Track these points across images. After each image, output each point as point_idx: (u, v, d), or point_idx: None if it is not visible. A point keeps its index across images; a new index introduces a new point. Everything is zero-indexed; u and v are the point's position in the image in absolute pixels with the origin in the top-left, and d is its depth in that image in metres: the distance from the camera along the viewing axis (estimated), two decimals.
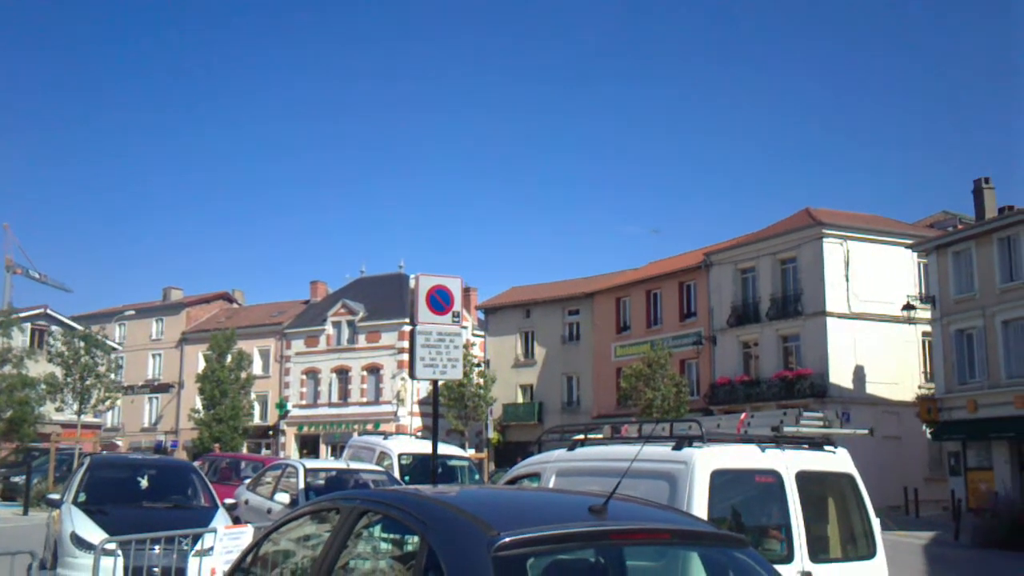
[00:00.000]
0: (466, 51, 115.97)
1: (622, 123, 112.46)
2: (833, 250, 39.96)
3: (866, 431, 8.84)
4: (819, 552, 7.28)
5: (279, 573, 5.28)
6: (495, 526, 3.66)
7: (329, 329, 61.46)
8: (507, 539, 3.57)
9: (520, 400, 55.83)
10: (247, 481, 19.18)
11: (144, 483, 12.90)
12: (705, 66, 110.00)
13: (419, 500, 4.30)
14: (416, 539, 4.05)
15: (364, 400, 59.15)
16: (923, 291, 38.18)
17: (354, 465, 16.77)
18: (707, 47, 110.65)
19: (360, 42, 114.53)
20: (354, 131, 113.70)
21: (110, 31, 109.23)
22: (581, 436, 8.62)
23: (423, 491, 4.74)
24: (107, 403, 47.39)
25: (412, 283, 11.08)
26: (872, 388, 39.14)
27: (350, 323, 60.76)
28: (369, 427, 52.88)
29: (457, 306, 11.11)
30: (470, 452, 39.56)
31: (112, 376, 44.76)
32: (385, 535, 4.71)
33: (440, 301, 10.91)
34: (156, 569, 9.88)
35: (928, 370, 39.02)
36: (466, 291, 64.06)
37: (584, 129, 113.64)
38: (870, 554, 7.63)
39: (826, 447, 7.75)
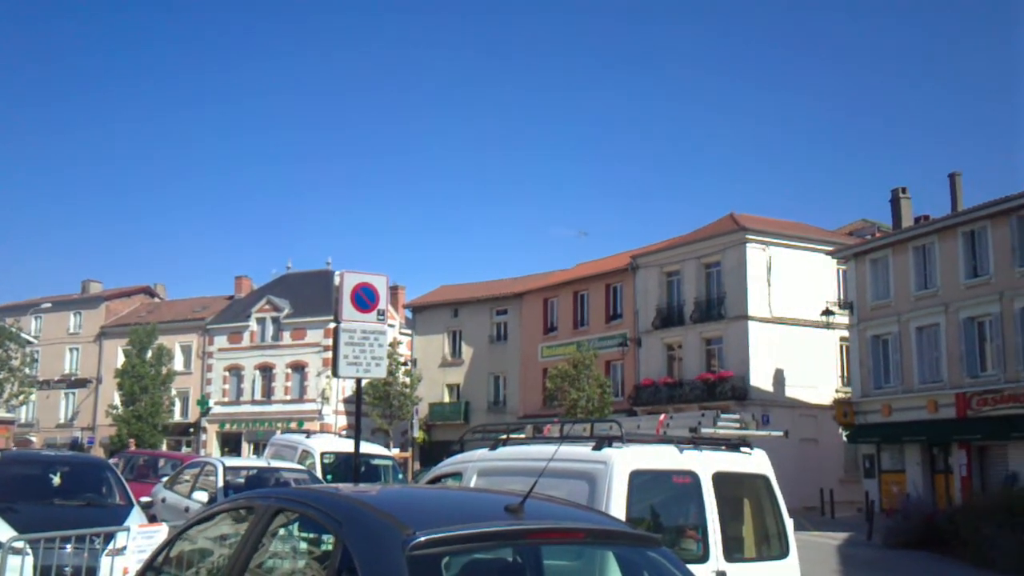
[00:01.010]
0: (397, 46, 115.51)
1: (552, 125, 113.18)
2: (756, 255, 40.70)
3: (781, 433, 9.03)
4: (734, 552, 7.40)
5: (191, 573, 5.20)
6: (410, 525, 3.65)
7: (253, 325, 60.59)
8: (422, 538, 3.57)
9: (447, 399, 55.74)
10: (164, 479, 18.83)
11: (56, 480, 12.55)
12: (632, 70, 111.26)
13: (334, 499, 4.28)
14: (331, 538, 4.03)
15: (288, 398, 58.46)
16: (842, 297, 39.11)
17: (275, 464, 16.57)
18: (634, 50, 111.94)
19: (282, 22, 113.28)
20: (282, 124, 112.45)
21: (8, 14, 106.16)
22: (503, 436, 8.64)
23: (339, 490, 4.71)
24: (21, 398, 46.05)
25: (337, 280, 10.99)
26: (791, 391, 39.97)
27: (275, 320, 59.99)
28: (293, 425, 52.27)
29: (382, 304, 11.05)
30: (395, 451, 39.33)
31: (27, 370, 43.59)
32: (300, 534, 4.67)
33: (365, 299, 10.84)
34: (67, 568, 9.62)
35: (845, 374, 39.97)
36: (394, 289, 63.74)
37: (514, 130, 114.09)
38: (783, 554, 7.78)
39: (742, 448, 7.88)
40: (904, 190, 38.23)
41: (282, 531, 4.63)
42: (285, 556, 4.70)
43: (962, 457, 30.94)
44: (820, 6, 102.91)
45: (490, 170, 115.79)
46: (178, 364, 60.69)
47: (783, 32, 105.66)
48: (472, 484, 8.08)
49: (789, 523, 7.96)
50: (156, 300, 71.37)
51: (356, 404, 11.09)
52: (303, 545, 4.65)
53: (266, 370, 59.64)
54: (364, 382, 10.87)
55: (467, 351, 55.54)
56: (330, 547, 4.01)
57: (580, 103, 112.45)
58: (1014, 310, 29.26)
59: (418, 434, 50.50)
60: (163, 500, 16.16)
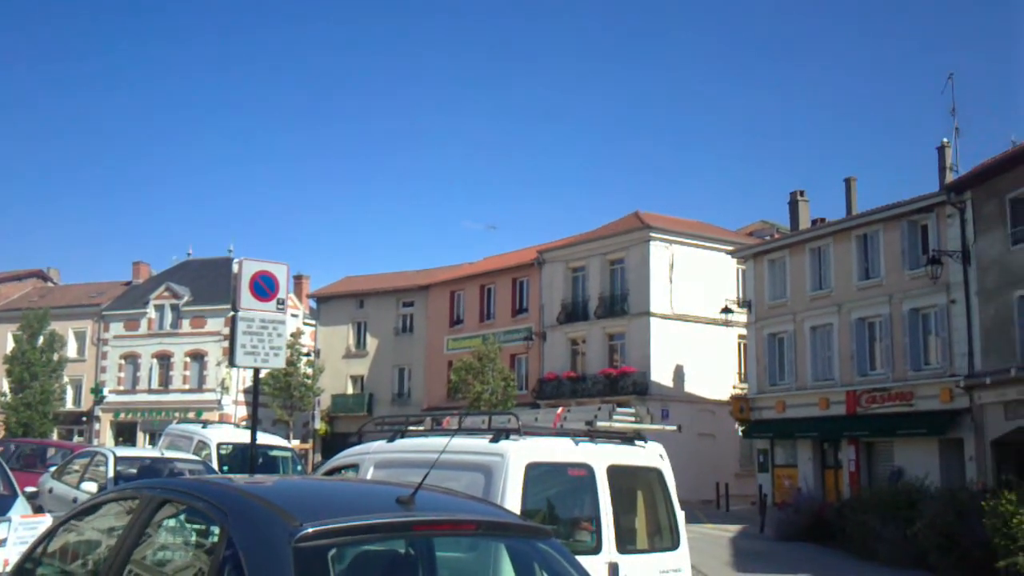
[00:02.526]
0: (306, 39, 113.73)
1: (464, 118, 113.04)
2: (659, 253, 41.40)
3: (675, 427, 9.22)
4: (627, 543, 7.53)
5: (73, 563, 5.06)
6: (297, 517, 3.62)
7: (151, 312, 59.06)
8: (309, 530, 3.55)
9: (350, 391, 55.28)
10: (52, 469, 18.24)
11: None
12: (543, 65, 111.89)
13: (221, 489, 4.21)
14: (217, 530, 3.97)
15: (187, 387, 57.17)
16: (741, 296, 40.07)
17: (169, 454, 16.21)
18: (545, 45, 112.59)
19: (178, 5, 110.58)
20: (185, 107, 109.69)
21: None
22: (401, 428, 8.62)
23: (227, 480, 4.65)
24: None
25: (236, 268, 10.79)
26: (691, 387, 40.80)
27: (174, 307, 58.58)
28: (191, 415, 51.05)
29: (282, 293, 10.91)
30: (295, 443, 38.85)
31: None
32: (185, 525, 4.58)
33: (264, 287, 10.69)
34: None
35: (742, 371, 40.97)
36: (298, 279, 62.93)
37: (424, 122, 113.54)
38: (674, 545, 7.96)
39: (637, 442, 8.01)
40: (802, 193, 39.33)
41: (167, 522, 4.55)
42: (169, 548, 4.61)
43: (851, 453, 32.04)
44: (726, 9, 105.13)
45: (399, 161, 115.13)
46: (71, 351, 58.74)
47: (690, 34, 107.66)
48: (369, 476, 8.04)
49: (680, 515, 8.14)
50: (49, 284, 68.92)
51: (253, 394, 10.93)
52: (188, 537, 4.56)
53: (164, 358, 58.22)
54: (263, 372, 10.70)
55: (372, 342, 55.16)
56: (216, 539, 3.95)
57: (491, 97, 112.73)
58: (903, 312, 30.40)
59: (320, 426, 49.97)
60: (50, 491, 15.66)
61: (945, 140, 31.74)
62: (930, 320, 29.99)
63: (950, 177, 29.96)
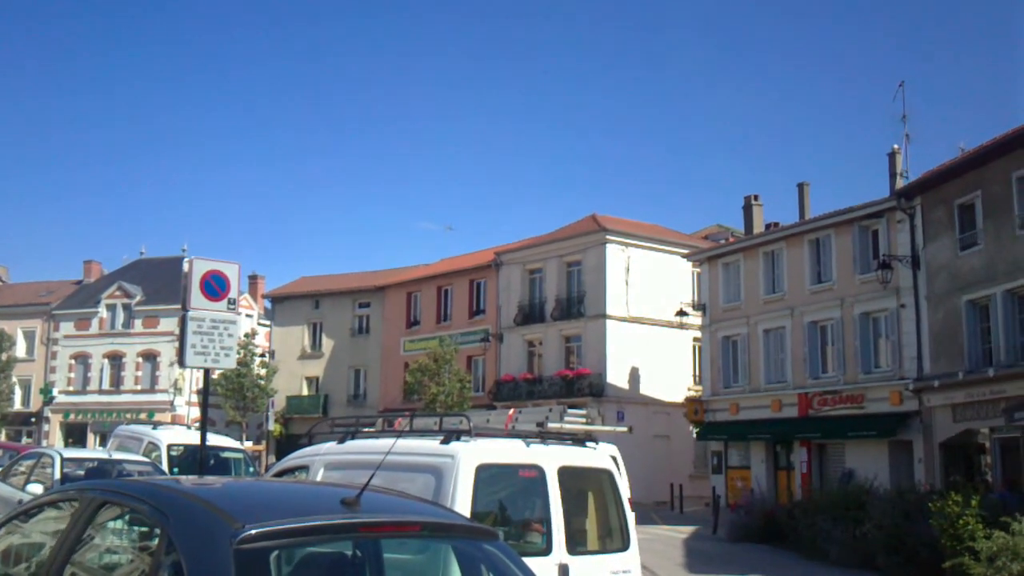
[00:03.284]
0: (261, 36, 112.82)
1: (420, 118, 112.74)
2: (616, 256, 41.59)
3: (626, 428, 9.28)
4: (577, 545, 7.54)
5: (15, 567, 4.97)
6: (239, 518, 3.58)
7: (103, 312, 58.16)
8: (252, 531, 3.51)
9: (305, 392, 54.86)
10: None
11: None
12: (498, 67, 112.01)
13: (162, 491, 4.15)
14: (158, 531, 3.91)
15: (139, 388, 56.38)
16: (696, 299, 40.39)
17: (117, 455, 15.97)
18: (500, 48, 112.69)
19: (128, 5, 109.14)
20: (139, 106, 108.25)
21: None
22: (352, 429, 8.57)
23: (168, 482, 4.59)
24: None
25: (186, 267, 10.67)
26: (646, 389, 41.02)
27: (126, 306, 57.74)
28: (143, 416, 50.27)
29: (233, 293, 10.80)
30: (247, 444, 38.46)
31: None
32: (125, 527, 4.51)
33: (215, 287, 10.57)
34: None
35: (697, 373, 41.29)
36: (253, 279, 62.39)
37: (380, 123, 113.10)
38: (624, 546, 7.98)
39: (588, 443, 8.04)
40: (756, 197, 39.75)
41: (108, 524, 4.48)
42: (110, 550, 4.54)
43: (803, 454, 32.45)
44: (684, 15, 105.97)
45: (356, 162, 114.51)
46: (20, 351, 57.71)
47: (646, 39, 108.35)
48: (319, 478, 7.98)
49: (631, 516, 8.17)
50: None
51: (203, 395, 10.82)
52: (129, 539, 4.49)
53: (115, 359, 57.35)
54: (215, 373, 10.57)
55: (327, 343, 54.80)
56: (156, 541, 3.89)
57: (448, 98, 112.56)
58: (854, 315, 30.84)
59: (274, 427, 49.46)
60: None
61: (896, 147, 32.28)
62: (880, 324, 30.46)
63: (901, 183, 30.46)
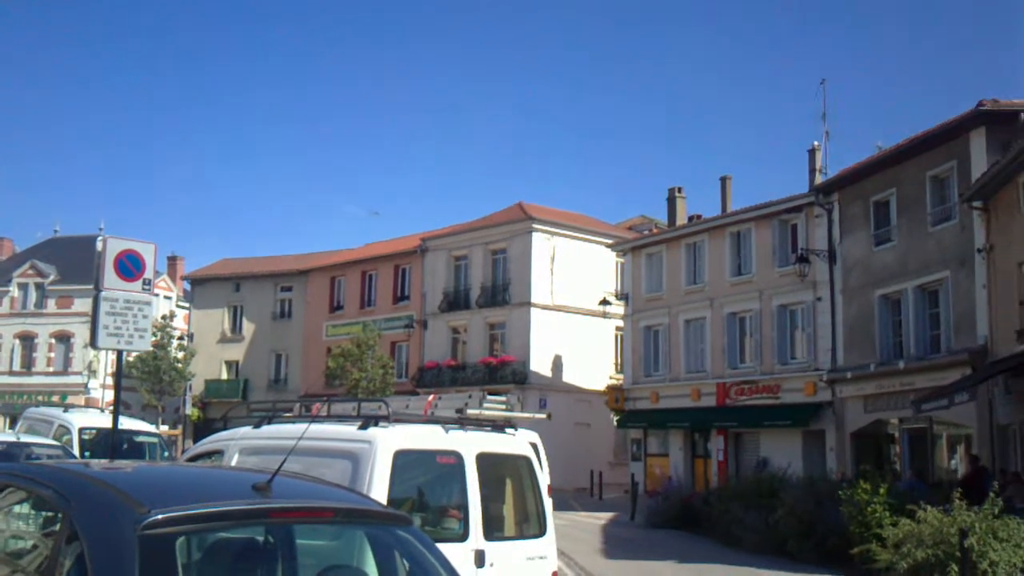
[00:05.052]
0: (178, 8, 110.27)
1: (346, 103, 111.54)
2: (541, 244, 41.77)
3: (545, 415, 9.31)
4: (494, 531, 7.58)
5: None
6: (145, 503, 3.52)
7: (14, 291, 56.37)
8: (157, 516, 3.45)
9: (225, 376, 53.98)
10: None
11: None
12: (430, 53, 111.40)
13: (66, 475, 4.06)
14: (61, 516, 3.82)
15: (51, 370, 54.83)
16: (619, 288, 40.80)
17: (26, 439, 15.54)
18: (431, 35, 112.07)
19: None
20: (54, 80, 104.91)
21: None
22: (269, 414, 8.47)
23: (75, 466, 4.49)
24: None
25: (99, 246, 10.39)
26: (569, 377, 41.34)
27: (39, 286, 56.06)
28: (56, 399, 49.09)
29: (149, 273, 10.56)
30: (163, 428, 37.76)
31: None
32: (29, 512, 4.39)
33: (130, 267, 10.32)
34: None
35: (619, 362, 41.73)
36: (172, 260, 61.16)
37: (306, 105, 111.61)
38: (541, 532, 8.05)
39: (507, 430, 8.07)
40: (680, 190, 40.26)
41: (12, 509, 4.36)
42: (14, 536, 4.42)
43: (720, 443, 33.07)
44: (612, 8, 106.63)
45: (280, 143, 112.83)
46: None
47: (574, 29, 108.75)
48: (234, 463, 7.87)
49: (548, 503, 8.24)
50: None
51: (116, 377, 10.58)
52: (30, 524, 4.38)
53: (27, 339, 55.67)
54: (131, 355, 10.33)
55: (248, 327, 53.99)
56: (59, 526, 3.80)
57: (375, 84, 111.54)
58: (772, 307, 31.47)
59: (191, 411, 48.64)
60: None
61: (816, 143, 32.98)
62: (797, 316, 31.15)
63: (819, 179, 31.13)
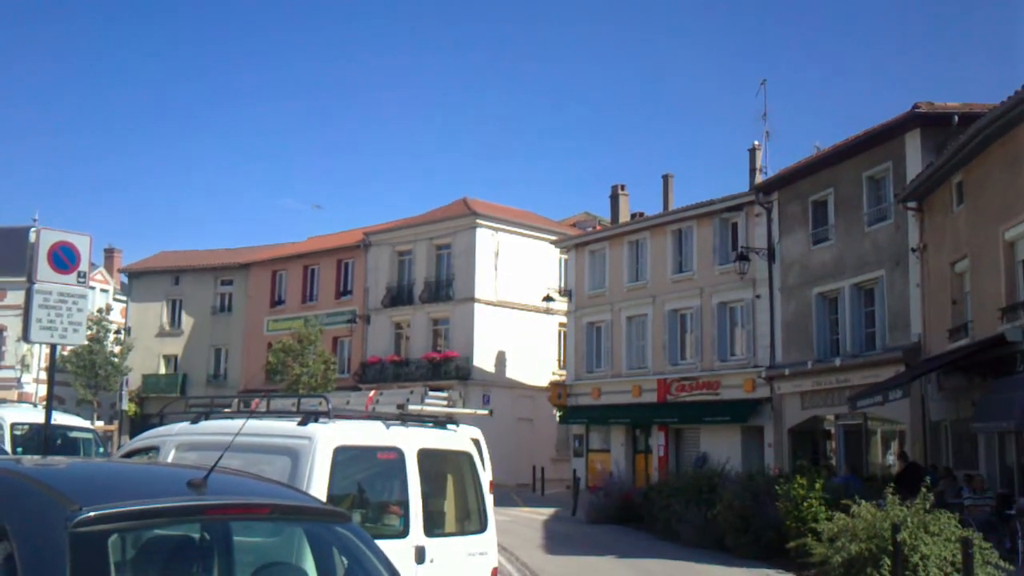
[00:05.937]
0: (122, 5, 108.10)
1: (288, 95, 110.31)
2: (485, 240, 41.77)
3: (487, 411, 9.34)
4: (435, 527, 7.57)
5: None
6: (76, 500, 3.45)
7: None
8: (89, 514, 3.39)
9: (163, 371, 53.16)
10: None
11: None
12: (372, 47, 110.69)
13: None
14: None
15: None
16: (562, 285, 41.00)
17: None
18: (375, 29, 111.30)
19: None
20: None
21: None
22: (207, 409, 8.36)
23: (3, 462, 4.37)
24: None
25: (32, 237, 10.16)
26: (512, 373, 41.41)
27: None
28: None
29: (84, 265, 10.35)
30: (99, 424, 37.06)
31: None
32: None
33: (64, 259, 10.10)
34: None
35: (561, 358, 41.93)
36: (109, 252, 59.97)
37: (248, 97, 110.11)
38: (482, 528, 8.07)
39: (449, 426, 8.07)
40: (623, 187, 40.56)
41: None
42: None
43: (660, 439, 33.41)
44: (555, 6, 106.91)
45: (220, 135, 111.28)
46: None
47: (518, 27, 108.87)
48: (170, 459, 7.76)
49: (489, 498, 8.26)
50: None
51: (49, 372, 10.36)
52: None
53: None
54: (66, 349, 10.13)
55: (187, 321, 53.20)
56: None
57: (318, 76, 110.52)
58: (712, 305, 31.87)
59: (128, 406, 47.73)
60: None
61: (756, 143, 33.49)
62: (737, 313, 31.60)
63: (759, 178, 31.61)
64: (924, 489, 14.13)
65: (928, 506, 13.86)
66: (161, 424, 8.54)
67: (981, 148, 19.35)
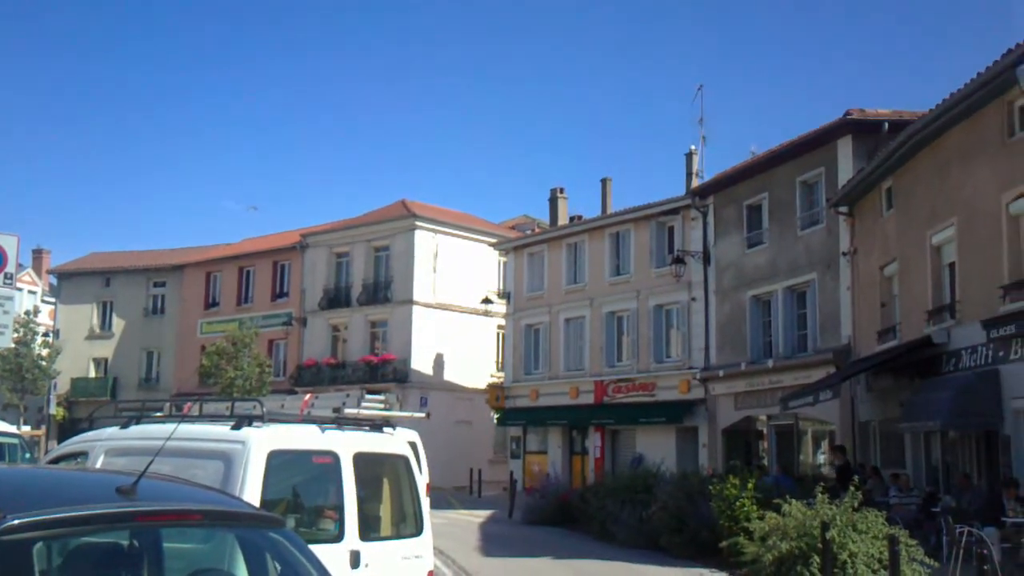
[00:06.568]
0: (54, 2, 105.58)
1: (224, 94, 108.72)
2: (424, 242, 41.66)
3: (423, 414, 9.32)
4: (370, 531, 7.54)
5: None
6: (0, 507, 3.38)
7: None
8: (14, 522, 3.32)
9: (92, 374, 51.99)
10: None
11: None
12: (310, 49, 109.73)
13: None
14: None
15: None
16: (501, 287, 41.07)
17: None
18: (314, 32, 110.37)
19: None
20: None
21: None
22: (137, 414, 8.21)
23: None
24: None
25: None
26: (450, 375, 41.35)
27: None
28: None
29: (11, 267, 10.11)
30: (25, 429, 36.21)
31: None
32: None
33: None
34: None
35: (500, 360, 42.00)
36: (37, 253, 58.66)
37: (183, 96, 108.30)
38: (418, 531, 8.06)
39: (385, 429, 8.03)
40: (562, 190, 40.79)
41: None
42: None
43: (597, 440, 33.67)
44: (495, 10, 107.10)
45: (154, 134, 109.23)
46: None
47: (457, 29, 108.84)
48: (99, 465, 7.60)
49: (425, 502, 8.25)
50: None
51: None
52: None
53: None
54: None
55: (118, 323, 52.11)
56: None
57: (255, 76, 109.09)
58: (649, 307, 32.21)
59: (56, 411, 46.62)
60: None
61: (693, 147, 33.94)
62: (673, 316, 31.97)
63: (696, 182, 32.01)
64: (853, 488, 14.44)
65: (856, 505, 14.16)
66: (90, 429, 8.36)
67: (910, 155, 19.86)
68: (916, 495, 18.58)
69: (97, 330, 52.47)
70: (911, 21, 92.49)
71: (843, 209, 23.88)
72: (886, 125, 22.56)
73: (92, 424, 8.48)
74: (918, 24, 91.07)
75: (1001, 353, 16.34)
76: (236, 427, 7.11)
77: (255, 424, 7.11)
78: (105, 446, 7.78)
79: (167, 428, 7.66)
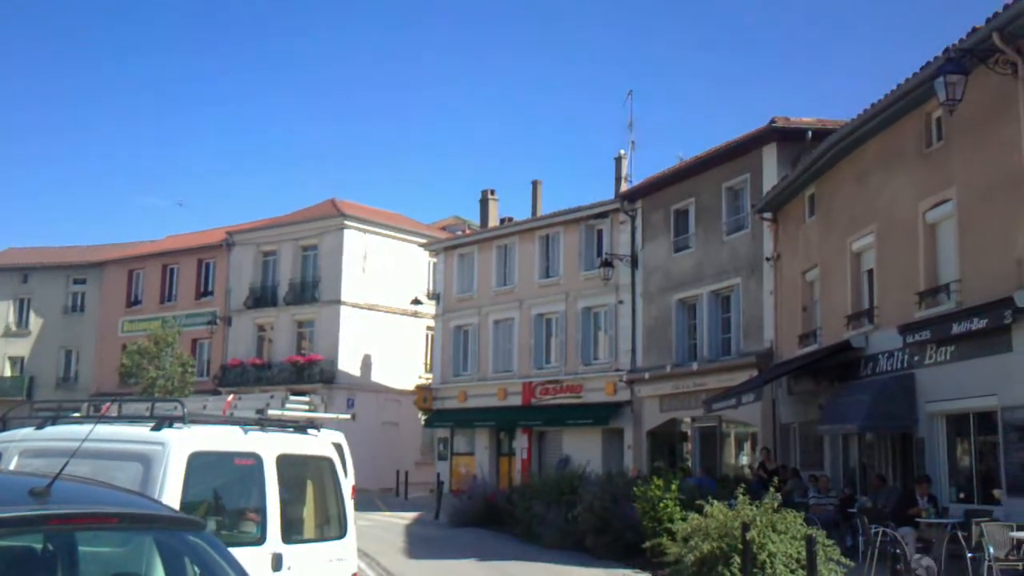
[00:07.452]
0: None
1: (148, 88, 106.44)
2: (353, 242, 41.37)
3: (349, 416, 9.28)
4: (293, 534, 7.47)
5: None
6: None
7: None
8: None
9: (8, 373, 50.53)
10: None
11: None
12: (240, 48, 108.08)
13: None
14: None
15: None
16: (431, 288, 40.98)
17: None
18: (249, 29, 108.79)
19: None
20: None
21: None
22: (54, 414, 8.01)
23: None
24: None
25: None
26: (377, 376, 41.13)
27: None
28: None
29: None
30: None
31: None
32: None
33: None
34: None
35: (428, 362, 41.90)
36: None
37: (106, 91, 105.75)
38: (342, 534, 8.00)
39: (309, 431, 7.97)
40: (493, 192, 40.87)
41: None
42: None
43: (524, 441, 33.83)
44: (429, 10, 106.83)
45: (75, 126, 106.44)
46: None
47: (390, 29, 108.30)
48: (12, 467, 7.40)
49: (350, 504, 8.20)
50: None
51: None
52: None
53: None
54: None
55: (36, 321, 50.72)
56: None
57: (182, 70, 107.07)
58: (577, 309, 32.45)
59: None
60: None
61: (622, 152, 34.30)
62: (600, 318, 32.26)
63: (625, 186, 32.35)
64: (772, 489, 14.71)
65: (776, 506, 14.42)
66: (3, 429, 8.11)
67: (832, 163, 20.33)
68: (834, 496, 19.00)
69: (13, 328, 51.03)
70: (842, 27, 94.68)
71: (767, 215, 24.34)
72: (809, 133, 23.05)
73: (6, 425, 8.23)
74: (849, 30, 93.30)
75: (916, 358, 16.81)
76: (156, 428, 6.99)
77: (176, 425, 7.00)
78: (19, 447, 7.57)
79: (84, 429, 7.49)
